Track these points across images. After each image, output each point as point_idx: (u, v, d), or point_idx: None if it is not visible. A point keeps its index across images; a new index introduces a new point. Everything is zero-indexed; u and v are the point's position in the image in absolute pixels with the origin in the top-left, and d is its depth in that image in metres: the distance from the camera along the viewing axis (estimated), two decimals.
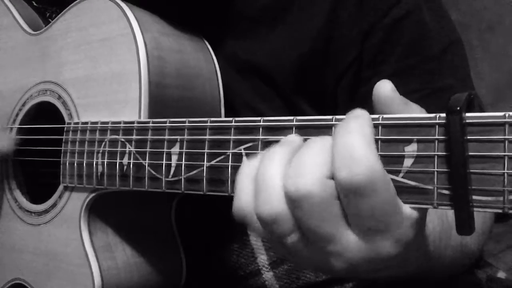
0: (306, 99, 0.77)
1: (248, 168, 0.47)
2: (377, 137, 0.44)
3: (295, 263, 0.51)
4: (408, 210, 0.43)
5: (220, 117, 0.75)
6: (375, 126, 0.44)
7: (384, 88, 0.46)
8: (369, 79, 0.73)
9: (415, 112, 0.46)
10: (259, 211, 0.44)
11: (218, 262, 0.82)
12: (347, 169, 0.41)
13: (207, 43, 0.78)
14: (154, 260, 0.75)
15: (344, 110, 0.47)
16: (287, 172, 0.43)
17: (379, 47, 0.72)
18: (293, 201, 0.43)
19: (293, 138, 0.47)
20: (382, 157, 0.44)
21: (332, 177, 0.42)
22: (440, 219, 0.59)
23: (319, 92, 0.76)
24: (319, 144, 0.44)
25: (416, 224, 0.44)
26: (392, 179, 0.43)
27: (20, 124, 0.84)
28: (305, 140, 0.46)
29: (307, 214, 0.43)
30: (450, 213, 0.60)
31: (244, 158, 0.51)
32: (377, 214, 0.42)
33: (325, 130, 0.47)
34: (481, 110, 0.47)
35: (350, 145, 0.41)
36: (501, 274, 0.83)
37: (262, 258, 0.80)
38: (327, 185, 0.42)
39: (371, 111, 0.46)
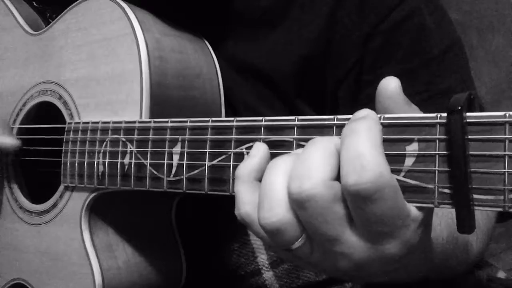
0: (307, 101, 0.77)
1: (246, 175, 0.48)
2: None
3: (302, 266, 0.51)
4: (414, 212, 0.43)
5: (221, 117, 0.75)
6: None
7: (391, 85, 0.46)
8: (370, 82, 0.73)
9: None
10: (262, 222, 0.44)
11: (218, 262, 0.82)
12: (356, 176, 0.40)
13: (207, 43, 0.78)
14: (155, 260, 0.75)
15: (345, 112, 0.48)
16: (291, 174, 0.43)
17: (380, 50, 0.73)
18: (298, 203, 0.43)
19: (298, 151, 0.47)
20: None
21: (336, 178, 0.43)
22: (447, 222, 0.59)
23: (319, 94, 0.76)
24: (322, 146, 0.43)
25: (421, 225, 0.44)
26: None
27: (20, 124, 0.84)
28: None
29: (313, 216, 0.43)
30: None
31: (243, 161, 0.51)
32: (385, 219, 0.42)
33: (327, 130, 0.47)
34: (482, 110, 0.47)
35: (359, 150, 0.41)
36: (501, 274, 0.83)
37: (262, 258, 0.80)
38: (332, 187, 0.42)
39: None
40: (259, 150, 0.49)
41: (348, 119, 0.46)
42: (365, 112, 0.44)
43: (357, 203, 0.41)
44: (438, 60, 0.73)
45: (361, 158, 0.40)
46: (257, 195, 0.46)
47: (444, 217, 0.60)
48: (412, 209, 0.43)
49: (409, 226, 0.43)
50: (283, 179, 0.44)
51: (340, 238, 0.43)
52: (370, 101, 0.74)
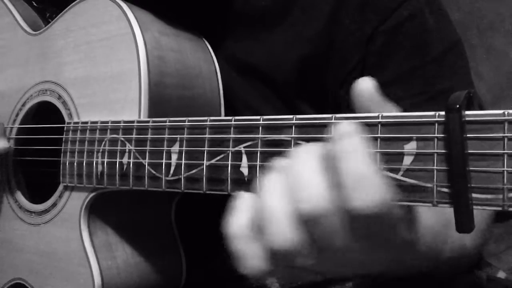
0: (307, 101, 0.77)
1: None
2: (376, 135, 0.44)
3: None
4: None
5: (220, 116, 0.75)
6: (375, 125, 0.44)
7: (366, 85, 0.46)
8: None
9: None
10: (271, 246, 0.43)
11: (218, 262, 0.82)
12: (360, 198, 0.40)
13: (207, 43, 0.78)
14: (154, 260, 0.75)
15: (346, 112, 0.48)
16: (291, 197, 0.42)
17: (381, 50, 0.73)
18: (310, 221, 0.42)
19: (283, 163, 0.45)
20: (382, 155, 0.44)
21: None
22: (438, 218, 0.59)
23: (320, 94, 0.76)
24: (311, 158, 0.42)
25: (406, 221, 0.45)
26: (392, 178, 0.43)
27: (20, 124, 0.84)
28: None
29: (323, 229, 0.42)
30: (448, 213, 0.61)
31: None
32: (385, 228, 0.42)
33: (325, 128, 0.47)
34: (481, 109, 0.47)
35: (357, 170, 0.40)
36: (501, 274, 0.83)
37: None
38: (332, 197, 0.41)
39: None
40: (245, 199, 0.46)
41: (346, 118, 0.46)
42: (347, 127, 0.42)
43: (360, 222, 0.41)
44: (438, 61, 0.73)
45: (361, 178, 0.40)
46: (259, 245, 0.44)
47: (436, 213, 0.60)
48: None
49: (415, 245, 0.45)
50: (282, 201, 0.43)
51: (345, 247, 0.43)
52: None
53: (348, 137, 0.42)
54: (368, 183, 0.40)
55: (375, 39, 0.72)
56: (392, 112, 0.45)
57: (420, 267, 0.56)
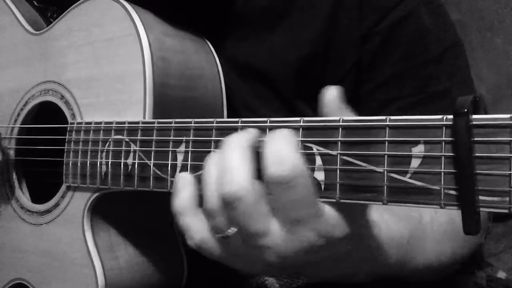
0: (307, 101, 0.77)
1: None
2: (384, 138, 0.45)
3: (234, 263, 0.56)
4: (328, 209, 0.48)
5: (222, 117, 0.75)
6: (383, 128, 0.45)
7: (330, 93, 0.52)
8: (369, 81, 0.73)
9: None
10: (204, 206, 0.51)
11: (218, 262, 0.82)
12: (276, 166, 0.47)
13: (209, 44, 0.78)
14: (156, 260, 0.75)
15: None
16: (219, 181, 0.49)
17: (377, 50, 0.73)
18: (228, 204, 0.48)
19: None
20: (389, 157, 0.44)
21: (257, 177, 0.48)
22: (409, 224, 0.60)
23: (319, 94, 0.76)
24: (238, 148, 0.49)
25: (342, 224, 0.48)
26: (399, 180, 0.44)
27: (21, 124, 0.83)
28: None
29: (241, 214, 0.48)
30: (425, 218, 0.62)
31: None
32: (299, 205, 0.47)
33: (332, 131, 0.47)
34: (486, 113, 0.47)
35: (278, 147, 0.47)
36: (501, 274, 0.84)
37: None
38: (255, 185, 0.48)
39: (369, 113, 0.48)
40: (185, 179, 0.55)
41: (354, 121, 0.47)
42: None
43: (276, 190, 0.47)
44: (436, 61, 0.73)
45: (280, 152, 0.47)
46: (203, 219, 0.52)
47: (407, 218, 0.61)
48: (327, 207, 0.48)
49: (322, 216, 0.48)
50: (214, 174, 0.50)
51: (264, 231, 0.49)
52: (369, 100, 0.74)
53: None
54: (282, 153, 0.47)
55: (373, 38, 0.73)
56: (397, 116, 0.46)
57: (383, 270, 0.59)
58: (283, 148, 0.47)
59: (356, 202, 0.46)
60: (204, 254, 0.54)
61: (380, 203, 0.45)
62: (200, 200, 0.53)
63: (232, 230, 0.50)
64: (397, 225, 0.58)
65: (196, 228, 0.53)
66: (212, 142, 0.55)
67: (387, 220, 0.57)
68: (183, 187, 0.54)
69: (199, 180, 0.53)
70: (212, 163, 0.51)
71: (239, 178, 0.48)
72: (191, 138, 0.57)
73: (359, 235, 0.51)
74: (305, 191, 0.47)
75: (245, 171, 0.48)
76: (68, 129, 0.73)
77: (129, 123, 0.64)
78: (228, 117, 0.76)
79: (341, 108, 0.51)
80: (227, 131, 0.53)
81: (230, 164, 0.49)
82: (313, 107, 0.77)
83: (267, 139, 0.49)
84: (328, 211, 0.48)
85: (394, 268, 0.59)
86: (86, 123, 0.71)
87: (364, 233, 0.52)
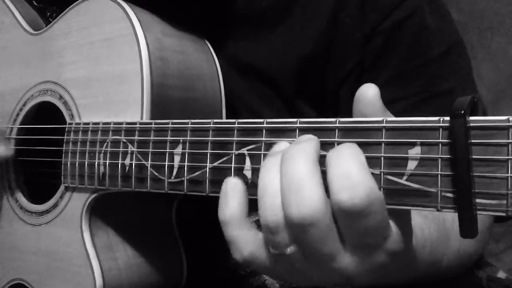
0: (307, 101, 0.77)
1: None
2: (381, 139, 0.44)
3: (287, 278, 0.52)
4: (393, 226, 0.44)
5: (222, 118, 0.75)
6: (379, 129, 0.44)
7: (370, 92, 0.47)
8: (371, 82, 0.73)
9: None
10: (264, 220, 0.45)
11: (218, 262, 0.82)
12: (347, 192, 0.41)
13: (208, 44, 0.77)
14: (155, 260, 0.75)
15: (345, 112, 0.48)
16: (285, 199, 0.43)
17: (380, 49, 0.72)
18: (296, 227, 0.43)
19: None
20: (386, 159, 0.44)
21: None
22: (437, 226, 0.59)
23: (320, 94, 0.76)
24: (306, 160, 0.43)
25: (403, 238, 0.45)
26: (396, 182, 0.43)
27: (20, 124, 0.83)
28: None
29: (310, 238, 0.43)
30: (448, 219, 0.61)
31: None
32: (375, 231, 0.43)
33: (329, 132, 0.47)
34: (484, 114, 0.47)
35: (348, 169, 0.42)
36: (501, 274, 0.84)
37: None
38: (328, 206, 0.43)
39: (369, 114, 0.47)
40: (236, 186, 0.48)
41: (350, 122, 0.46)
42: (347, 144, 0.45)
43: (349, 218, 0.42)
44: (438, 61, 0.73)
45: (351, 175, 0.41)
46: (255, 231, 0.47)
47: (435, 220, 0.60)
48: (390, 222, 0.44)
49: (390, 236, 0.44)
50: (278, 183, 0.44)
51: (334, 255, 0.45)
52: None
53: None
54: (353, 178, 0.41)
55: (375, 38, 0.72)
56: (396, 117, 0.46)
57: (417, 273, 0.56)
58: (353, 170, 0.41)
59: None
60: (252, 267, 0.50)
61: None
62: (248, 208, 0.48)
63: (292, 249, 0.45)
64: (429, 229, 0.57)
65: (246, 241, 0.47)
66: (209, 143, 0.55)
67: (421, 223, 0.55)
68: (233, 195, 0.48)
69: (251, 185, 0.49)
70: (273, 172, 0.44)
71: (311, 201, 0.42)
72: (188, 138, 0.57)
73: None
74: (379, 218, 0.42)
75: (318, 191, 0.42)
76: (66, 129, 0.73)
77: (127, 123, 0.64)
78: (228, 117, 0.76)
79: (384, 108, 0.47)
80: (223, 131, 0.53)
81: (297, 178, 0.42)
82: (314, 107, 0.77)
83: (332, 154, 0.43)
84: (393, 228, 0.44)
85: (419, 274, 0.57)
86: (84, 123, 0.71)
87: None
